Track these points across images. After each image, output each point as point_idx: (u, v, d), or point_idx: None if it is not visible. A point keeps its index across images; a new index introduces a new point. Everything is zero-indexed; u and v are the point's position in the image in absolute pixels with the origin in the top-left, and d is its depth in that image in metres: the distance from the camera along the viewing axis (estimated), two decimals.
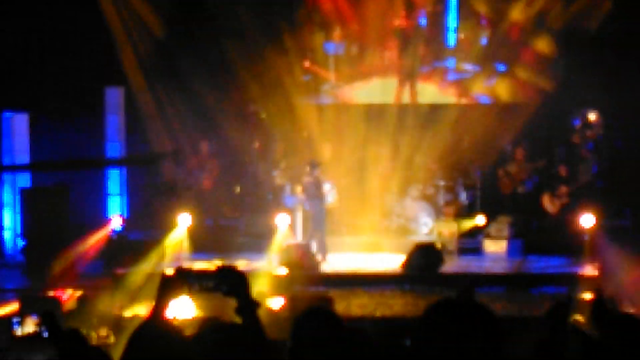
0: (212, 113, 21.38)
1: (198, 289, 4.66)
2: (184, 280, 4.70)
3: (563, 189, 20.10)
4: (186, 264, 16.78)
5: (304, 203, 19.84)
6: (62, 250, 18.16)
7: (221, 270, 4.62)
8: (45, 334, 7.42)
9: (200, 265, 16.78)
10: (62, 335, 5.61)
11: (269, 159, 21.90)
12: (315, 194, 19.30)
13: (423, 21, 22.38)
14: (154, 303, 4.92)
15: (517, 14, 21.95)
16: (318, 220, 19.28)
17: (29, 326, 7.65)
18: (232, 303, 4.60)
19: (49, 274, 17.66)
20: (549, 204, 20.11)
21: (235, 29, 21.38)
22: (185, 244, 19.52)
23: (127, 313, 14.75)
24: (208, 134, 21.73)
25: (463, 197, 20.78)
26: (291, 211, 19.94)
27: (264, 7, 21.71)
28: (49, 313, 6.26)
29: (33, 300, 14.40)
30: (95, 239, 19.53)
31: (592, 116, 21.31)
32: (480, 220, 20.05)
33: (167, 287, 4.77)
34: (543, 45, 21.82)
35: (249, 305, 4.58)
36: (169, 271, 4.86)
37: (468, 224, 20.15)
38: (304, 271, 17.57)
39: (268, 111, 22.09)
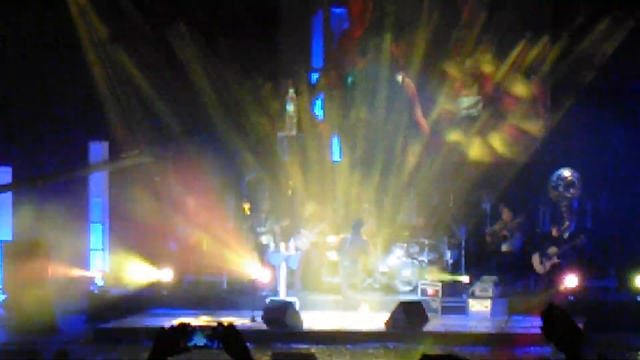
0: (196, 168, 21.30)
1: (196, 345, 4.56)
2: (182, 335, 4.59)
3: (553, 250, 20.07)
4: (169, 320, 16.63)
5: (288, 260, 19.79)
6: (42, 304, 18.04)
7: (222, 327, 4.49)
8: None
9: (192, 321, 16.63)
10: None
11: (254, 216, 21.77)
12: (353, 252, 19.27)
13: None
14: (149, 358, 4.82)
15: (515, 86, 22.02)
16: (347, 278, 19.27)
17: None
18: None
19: (30, 328, 17.53)
20: (539, 265, 20.07)
21: (219, 87, 21.48)
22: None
23: None
24: (192, 189, 21.62)
25: (448, 255, 20.71)
26: (275, 268, 19.87)
27: (250, 70, 21.79)
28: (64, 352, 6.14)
29: (14, 355, 14.27)
30: (77, 294, 19.41)
31: (572, 176, 21.34)
32: (464, 278, 20.06)
33: (165, 341, 4.65)
34: (531, 128, 21.82)
35: None
36: (168, 325, 4.75)
37: (451, 278, 20.14)
38: (287, 328, 17.45)
39: (253, 168, 22.05)
